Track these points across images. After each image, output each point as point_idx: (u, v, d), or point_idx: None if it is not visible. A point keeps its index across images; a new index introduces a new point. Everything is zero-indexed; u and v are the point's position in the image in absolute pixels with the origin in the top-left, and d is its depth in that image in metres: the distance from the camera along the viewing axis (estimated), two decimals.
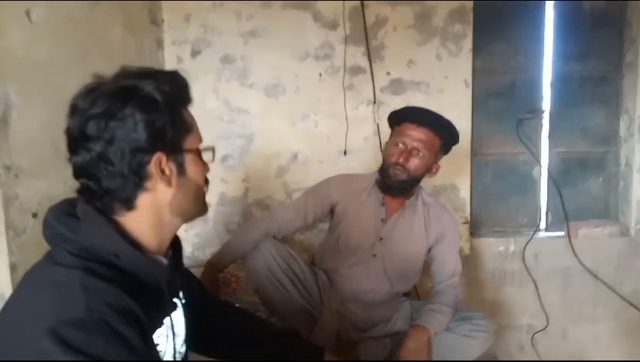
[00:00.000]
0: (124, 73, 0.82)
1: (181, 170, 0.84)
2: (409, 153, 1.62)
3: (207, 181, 0.92)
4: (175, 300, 0.92)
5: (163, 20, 2.40)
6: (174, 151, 0.82)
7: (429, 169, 1.68)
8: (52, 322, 0.68)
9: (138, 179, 0.79)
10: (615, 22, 2.52)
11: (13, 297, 0.79)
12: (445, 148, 1.69)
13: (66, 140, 0.81)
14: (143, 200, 0.81)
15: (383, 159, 1.74)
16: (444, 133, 1.65)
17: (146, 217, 0.82)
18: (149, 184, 0.81)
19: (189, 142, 0.85)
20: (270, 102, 2.44)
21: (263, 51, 2.41)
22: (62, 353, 0.66)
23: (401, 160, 1.61)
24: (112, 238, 0.78)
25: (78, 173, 0.81)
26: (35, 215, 1.38)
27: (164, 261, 0.88)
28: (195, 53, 2.43)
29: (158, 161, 0.80)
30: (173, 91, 0.82)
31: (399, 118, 1.68)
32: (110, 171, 0.77)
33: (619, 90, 2.55)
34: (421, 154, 1.62)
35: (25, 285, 0.79)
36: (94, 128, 0.76)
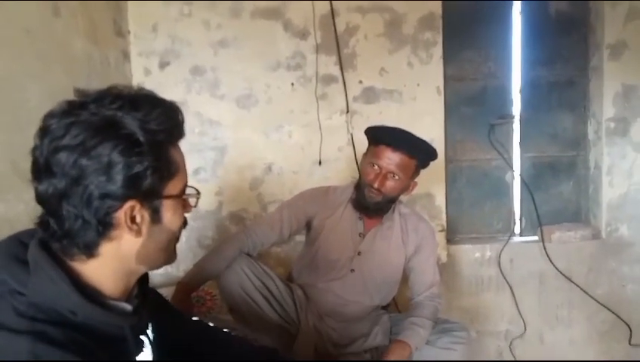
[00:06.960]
0: (112, 95, 0.70)
1: (156, 217, 0.75)
2: (384, 177, 1.60)
3: (185, 223, 0.82)
4: (142, 337, 0.85)
5: (129, 31, 2.34)
6: (151, 197, 0.73)
7: (405, 189, 1.67)
8: None
9: (102, 227, 0.70)
10: (580, 27, 2.58)
11: None
12: (423, 166, 1.68)
13: (31, 161, 0.70)
14: (106, 248, 0.72)
15: (359, 175, 1.71)
16: (420, 155, 1.63)
17: (109, 267, 0.74)
18: (114, 233, 0.71)
19: (170, 187, 0.75)
20: (242, 114, 2.40)
21: (233, 62, 2.36)
22: None
23: (376, 184, 1.59)
24: (67, 294, 0.68)
25: (39, 201, 0.71)
26: None
27: (128, 307, 0.79)
28: (163, 65, 2.37)
29: (129, 210, 0.70)
30: (162, 130, 0.71)
31: (375, 138, 1.64)
32: (71, 213, 0.68)
33: (586, 95, 2.60)
34: (396, 177, 1.60)
35: None
36: (60, 162, 0.66)
